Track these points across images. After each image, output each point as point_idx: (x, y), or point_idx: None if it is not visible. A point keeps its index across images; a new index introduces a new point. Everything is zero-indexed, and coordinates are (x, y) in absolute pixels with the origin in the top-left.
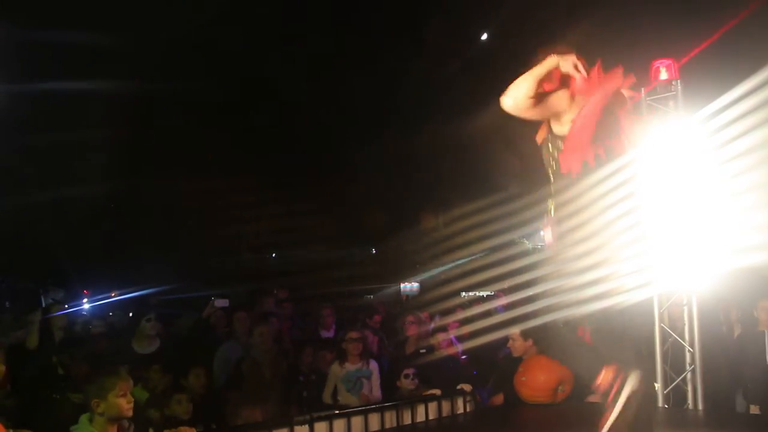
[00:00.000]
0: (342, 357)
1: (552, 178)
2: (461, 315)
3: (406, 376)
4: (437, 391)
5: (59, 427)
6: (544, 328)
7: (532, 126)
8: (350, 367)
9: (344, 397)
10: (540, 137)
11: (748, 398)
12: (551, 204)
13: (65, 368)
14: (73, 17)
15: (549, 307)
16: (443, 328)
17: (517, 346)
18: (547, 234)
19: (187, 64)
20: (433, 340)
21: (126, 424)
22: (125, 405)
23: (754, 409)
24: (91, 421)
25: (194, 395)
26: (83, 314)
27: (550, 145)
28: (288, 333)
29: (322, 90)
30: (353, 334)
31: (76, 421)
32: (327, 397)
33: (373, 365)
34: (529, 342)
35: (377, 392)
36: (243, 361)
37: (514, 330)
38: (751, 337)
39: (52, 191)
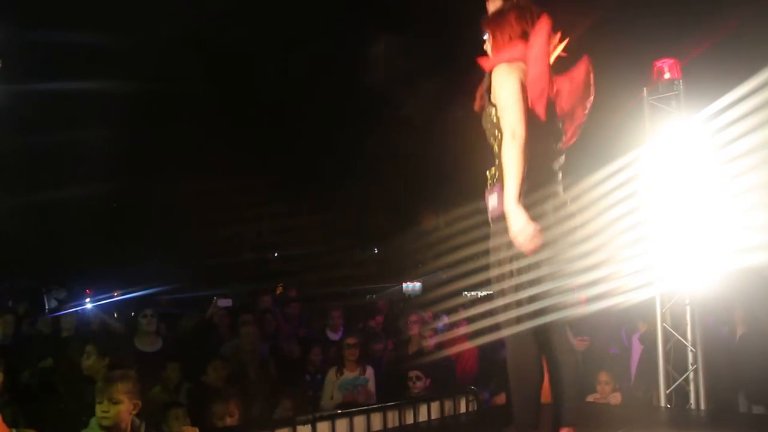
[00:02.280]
0: (339, 363)
1: (495, 146)
2: (463, 314)
3: (418, 378)
4: None
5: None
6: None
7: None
8: (348, 374)
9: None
10: (477, 105)
11: (751, 398)
12: (494, 171)
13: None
14: (74, 17)
15: (551, 306)
16: (446, 328)
17: None
18: (492, 199)
19: (189, 65)
20: (436, 339)
21: (138, 422)
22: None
23: (758, 409)
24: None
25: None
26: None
27: (492, 111)
28: (293, 332)
29: (323, 90)
30: (351, 340)
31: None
32: (326, 401)
33: (369, 372)
34: None
35: (373, 399)
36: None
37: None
38: (755, 338)
39: (54, 191)
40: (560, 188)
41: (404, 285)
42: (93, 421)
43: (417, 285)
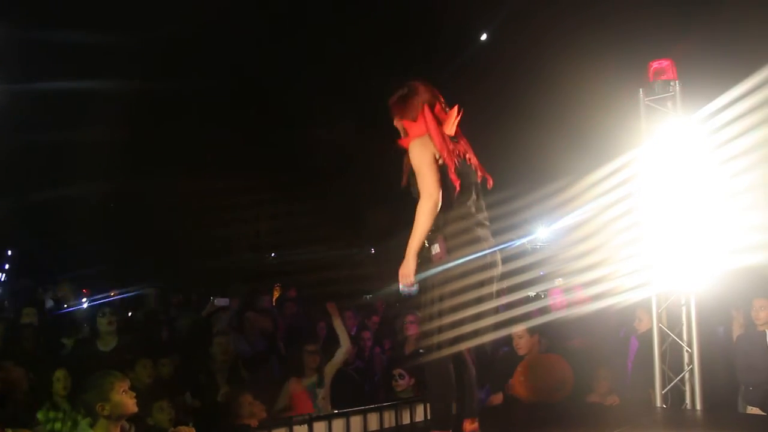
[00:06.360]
0: (299, 371)
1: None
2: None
3: (401, 376)
4: None
5: None
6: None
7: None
8: (305, 382)
9: None
10: (404, 181)
11: (748, 399)
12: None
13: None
14: (74, 16)
15: (549, 306)
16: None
17: (523, 343)
18: (435, 247)
19: (187, 63)
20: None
21: (127, 426)
22: (129, 401)
23: (753, 410)
24: (92, 426)
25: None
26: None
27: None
28: (291, 331)
29: (322, 89)
30: (310, 347)
31: None
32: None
33: (328, 380)
34: (536, 338)
35: (327, 405)
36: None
37: (516, 329)
38: (751, 337)
39: (51, 190)
40: (482, 231)
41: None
42: (84, 423)
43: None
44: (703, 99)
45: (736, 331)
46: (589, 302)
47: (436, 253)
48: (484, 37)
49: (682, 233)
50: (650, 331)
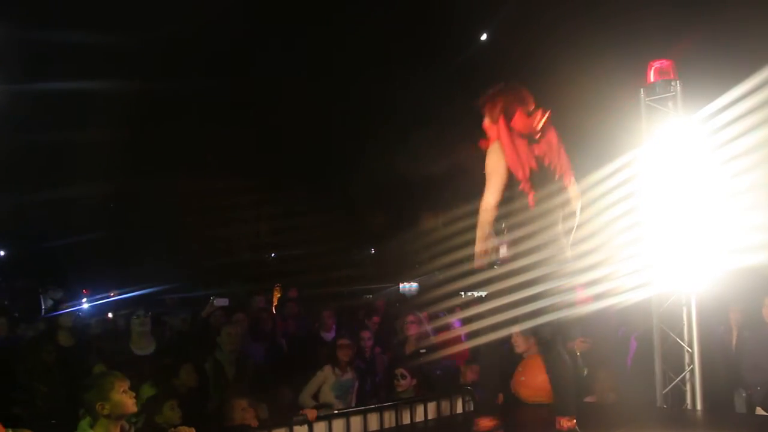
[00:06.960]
0: (336, 362)
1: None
2: (460, 314)
3: (403, 377)
4: None
5: None
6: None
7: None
8: (344, 375)
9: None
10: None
11: (754, 399)
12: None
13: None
14: (74, 16)
15: (549, 307)
16: (445, 327)
17: (520, 342)
18: (503, 249)
19: (188, 64)
20: (433, 340)
21: (127, 426)
22: (129, 401)
23: (760, 411)
24: (92, 426)
25: (184, 394)
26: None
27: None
28: (290, 331)
29: (322, 90)
30: (343, 341)
31: None
32: (307, 398)
33: (356, 377)
34: (533, 338)
35: (353, 402)
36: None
37: (515, 330)
38: (757, 337)
39: (52, 191)
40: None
41: (401, 285)
42: (83, 423)
43: (414, 285)
44: (704, 99)
45: (734, 332)
46: (590, 302)
47: (503, 257)
48: (484, 37)
49: (682, 233)
50: (650, 331)
